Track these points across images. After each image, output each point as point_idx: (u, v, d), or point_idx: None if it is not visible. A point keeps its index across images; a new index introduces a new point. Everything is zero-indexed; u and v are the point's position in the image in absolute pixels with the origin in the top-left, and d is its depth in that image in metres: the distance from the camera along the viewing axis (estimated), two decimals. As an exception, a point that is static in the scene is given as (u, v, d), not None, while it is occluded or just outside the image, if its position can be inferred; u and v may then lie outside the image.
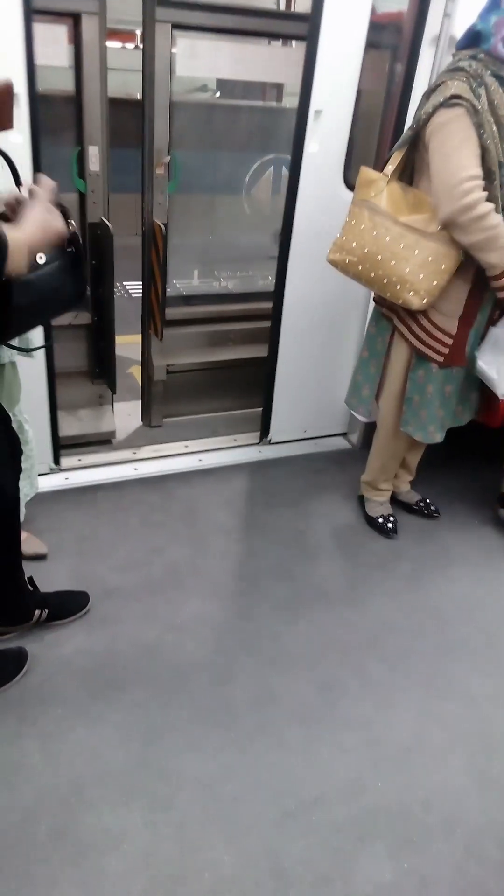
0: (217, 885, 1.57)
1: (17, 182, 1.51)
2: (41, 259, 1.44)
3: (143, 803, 1.72)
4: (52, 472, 2.87)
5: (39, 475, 2.71)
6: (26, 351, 1.89)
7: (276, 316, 2.92)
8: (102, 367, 3.20)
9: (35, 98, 2.18)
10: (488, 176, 2.02)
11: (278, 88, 3.22)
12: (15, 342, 1.79)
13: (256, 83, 3.21)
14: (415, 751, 1.93)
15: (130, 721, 1.91)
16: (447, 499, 2.98)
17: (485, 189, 1.99)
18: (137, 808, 1.70)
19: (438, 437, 2.49)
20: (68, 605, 2.20)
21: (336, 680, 2.11)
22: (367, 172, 2.22)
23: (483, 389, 2.55)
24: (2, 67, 2.08)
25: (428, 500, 2.91)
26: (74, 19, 2.56)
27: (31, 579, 2.10)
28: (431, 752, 1.93)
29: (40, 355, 2.53)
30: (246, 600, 2.37)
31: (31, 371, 2.48)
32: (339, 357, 3.11)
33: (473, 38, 2.05)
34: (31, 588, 2.11)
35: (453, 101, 1.96)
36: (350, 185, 2.66)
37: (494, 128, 1.99)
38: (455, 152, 2.00)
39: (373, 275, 2.19)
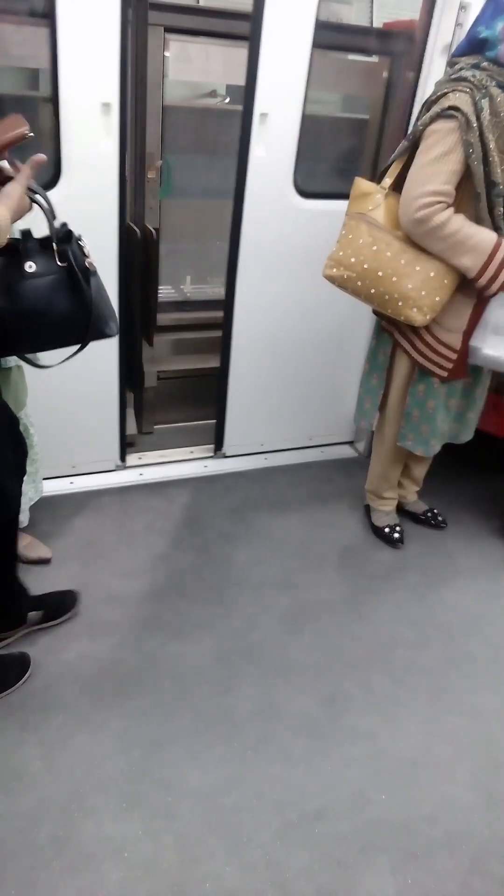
0: (218, 898, 1.55)
1: (50, 218, 1.49)
2: (30, 268, 1.44)
3: (145, 812, 1.70)
4: (117, 468, 2.97)
5: (105, 472, 2.92)
6: (39, 367, 1.86)
7: (226, 325, 2.84)
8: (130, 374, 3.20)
9: (125, 107, 2.28)
10: (474, 197, 2.01)
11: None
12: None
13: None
14: (420, 764, 1.91)
15: (132, 729, 1.90)
16: (454, 509, 2.96)
17: (451, 206, 1.98)
18: (138, 816, 1.69)
19: (437, 449, 2.49)
20: (62, 605, 2.20)
21: (340, 691, 2.09)
22: (361, 184, 2.19)
23: (488, 401, 2.55)
24: (97, 77, 2.20)
25: (435, 511, 2.90)
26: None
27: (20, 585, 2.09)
28: (436, 766, 1.91)
29: (113, 355, 2.64)
30: (250, 609, 2.35)
31: (104, 365, 2.63)
32: (343, 367, 3.10)
33: (477, 46, 1.99)
34: (25, 591, 2.10)
35: (450, 111, 1.94)
36: (301, 191, 2.63)
37: (492, 145, 1.95)
38: (430, 165, 1.98)
39: (373, 291, 2.15)
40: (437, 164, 1.97)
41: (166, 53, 2.71)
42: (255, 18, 2.30)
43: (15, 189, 1.37)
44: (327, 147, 3.10)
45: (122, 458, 2.98)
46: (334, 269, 2.22)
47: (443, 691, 2.14)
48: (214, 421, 3.10)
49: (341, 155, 3.13)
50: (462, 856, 1.69)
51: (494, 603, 2.52)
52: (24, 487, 2.10)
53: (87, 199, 2.36)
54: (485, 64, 1.97)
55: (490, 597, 2.54)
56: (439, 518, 2.88)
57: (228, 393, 3.00)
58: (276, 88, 2.42)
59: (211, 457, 3.16)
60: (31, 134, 1.40)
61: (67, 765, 1.79)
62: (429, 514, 2.89)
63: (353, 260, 2.16)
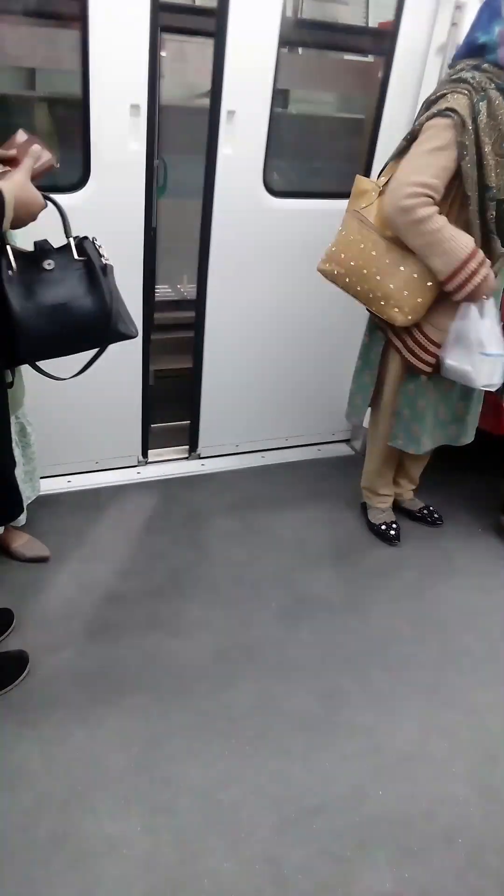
0: (216, 892, 1.56)
1: (67, 231, 1.50)
2: (49, 265, 1.45)
3: (143, 809, 1.71)
4: (139, 464, 3.01)
5: (126, 467, 2.97)
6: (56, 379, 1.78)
7: (198, 324, 2.83)
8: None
9: (154, 109, 2.30)
10: (463, 200, 2.02)
11: (284, 94, 3.22)
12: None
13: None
14: (416, 760, 1.92)
15: (131, 726, 1.91)
16: (450, 506, 2.97)
17: (437, 205, 1.99)
18: (137, 813, 1.70)
19: (429, 447, 2.50)
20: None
21: (338, 688, 2.10)
22: (361, 181, 2.20)
23: (486, 399, 2.56)
24: (127, 79, 2.23)
25: (431, 508, 2.91)
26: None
27: None
28: (433, 762, 1.92)
29: (137, 350, 2.70)
30: (248, 606, 2.36)
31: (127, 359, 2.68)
32: (338, 364, 3.08)
33: (477, 50, 2.01)
34: None
35: (447, 112, 1.95)
36: (271, 190, 2.62)
37: (487, 148, 1.96)
38: (422, 157, 2.00)
39: (359, 288, 2.17)
40: (429, 157, 1.99)
41: (162, 53, 2.71)
42: (220, 14, 2.27)
43: (18, 173, 1.38)
44: (323, 147, 3.10)
45: (144, 454, 3.01)
46: (326, 265, 2.24)
47: (439, 687, 2.15)
48: (199, 420, 3.09)
49: (336, 155, 3.13)
50: (459, 850, 1.70)
51: (490, 599, 2.53)
52: (22, 486, 2.10)
53: (114, 199, 2.40)
54: (485, 66, 1.98)
55: (486, 593, 2.56)
56: (435, 515, 2.89)
57: (202, 392, 2.98)
58: (243, 86, 2.39)
59: (209, 456, 3.16)
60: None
61: (66, 762, 1.79)
62: (425, 512, 2.90)
63: (342, 256, 2.18)
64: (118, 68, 2.21)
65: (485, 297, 2.10)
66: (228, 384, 3.00)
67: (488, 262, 2.05)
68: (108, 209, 2.40)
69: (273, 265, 2.76)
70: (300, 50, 3.16)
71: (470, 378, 2.18)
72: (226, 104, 2.39)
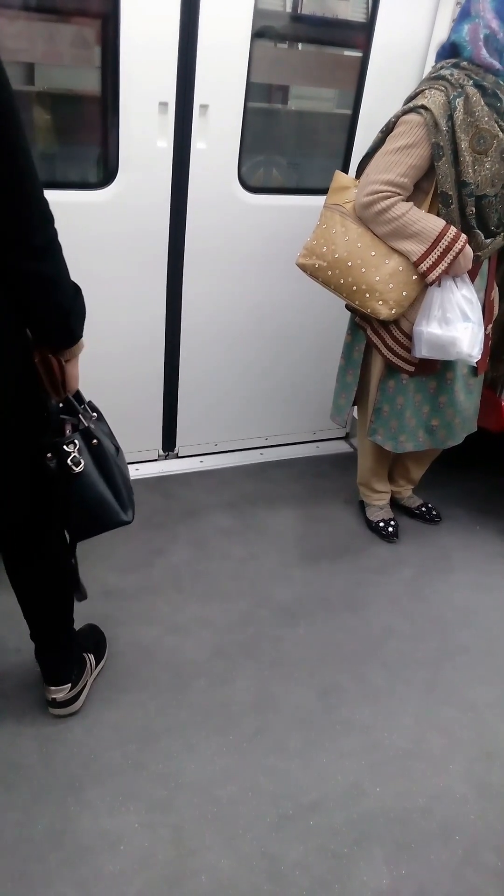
0: (214, 888, 1.56)
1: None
2: (78, 467, 1.47)
3: (141, 805, 1.71)
4: (159, 458, 3.05)
5: (147, 461, 3.03)
6: None
7: (173, 319, 2.78)
8: None
9: (183, 107, 2.32)
10: (444, 199, 2.03)
11: (283, 90, 3.21)
12: None
13: (262, 85, 3.22)
14: (414, 757, 1.92)
15: (128, 722, 1.91)
16: (448, 504, 2.98)
17: (410, 200, 2.03)
18: (134, 809, 1.70)
19: (410, 447, 2.49)
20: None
21: (336, 685, 2.10)
22: (340, 178, 2.20)
23: (485, 397, 2.55)
24: (156, 76, 2.25)
25: (430, 505, 2.91)
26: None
27: None
28: (431, 759, 1.92)
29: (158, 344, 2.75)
30: (246, 603, 2.36)
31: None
32: (329, 361, 3.07)
33: (451, 51, 2.03)
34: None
35: (420, 109, 1.96)
36: (246, 185, 2.60)
37: (464, 145, 1.96)
38: (393, 154, 2.02)
39: (342, 281, 2.15)
40: (398, 155, 2.00)
41: None
42: (190, 6, 2.23)
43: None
44: (324, 143, 3.09)
45: (169, 448, 3.05)
46: (306, 259, 2.23)
47: (437, 684, 2.15)
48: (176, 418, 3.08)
49: (335, 152, 3.12)
50: (456, 847, 1.71)
51: (488, 596, 2.53)
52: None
53: (141, 197, 2.41)
54: (464, 63, 2.00)
55: (483, 590, 2.56)
56: (433, 513, 2.89)
57: (179, 390, 2.96)
58: (216, 79, 2.36)
59: (208, 453, 3.16)
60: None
61: (64, 758, 1.79)
62: (423, 509, 2.90)
63: (324, 249, 2.16)
64: (147, 66, 2.21)
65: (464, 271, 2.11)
66: (207, 382, 2.98)
67: (463, 235, 2.05)
68: (133, 207, 2.41)
69: (250, 261, 2.75)
70: (299, 45, 3.16)
71: (457, 345, 2.12)
72: (198, 98, 2.36)
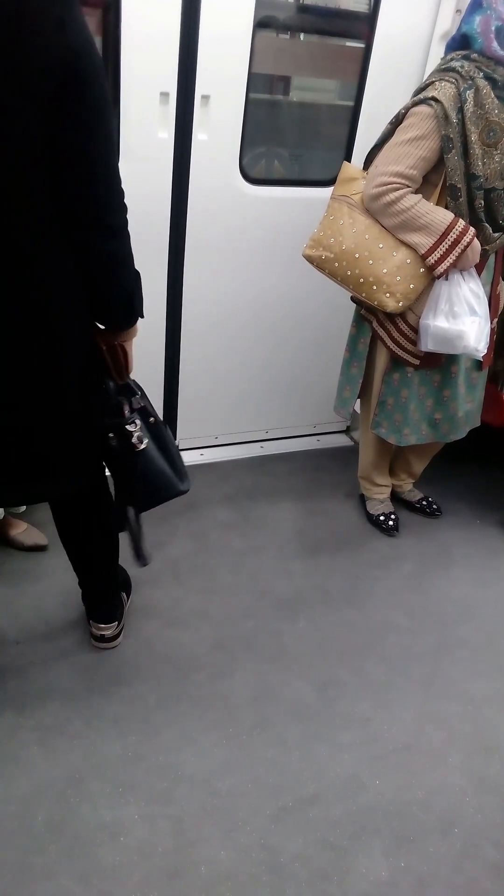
0: (213, 880, 1.57)
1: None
2: (143, 444, 1.63)
3: (140, 797, 1.71)
4: None
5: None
6: None
7: (173, 311, 2.77)
8: None
9: (184, 97, 2.31)
10: (452, 192, 2.01)
11: (285, 81, 3.19)
12: None
13: (263, 76, 3.19)
14: (413, 750, 1.92)
15: (128, 715, 1.91)
16: (449, 498, 2.97)
17: (419, 192, 2.01)
18: (134, 801, 1.70)
19: (413, 440, 2.49)
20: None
21: (335, 678, 2.11)
22: (348, 169, 2.19)
23: (488, 391, 2.55)
24: (157, 66, 2.23)
25: (430, 499, 2.91)
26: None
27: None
28: (429, 752, 1.93)
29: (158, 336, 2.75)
30: (245, 596, 2.36)
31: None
32: (330, 354, 3.06)
33: (462, 42, 2.01)
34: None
35: (430, 101, 1.95)
36: (247, 177, 2.59)
37: (474, 137, 1.94)
38: (403, 145, 2.00)
39: (349, 273, 2.14)
40: (408, 147, 1.99)
41: None
42: None
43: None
44: (326, 135, 3.07)
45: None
46: (313, 250, 2.22)
47: (436, 677, 2.15)
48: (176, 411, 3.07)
49: (337, 143, 3.11)
50: (454, 840, 1.71)
51: (487, 591, 2.53)
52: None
53: (142, 188, 2.37)
54: (474, 55, 1.98)
55: (483, 585, 2.56)
56: (434, 507, 2.89)
57: (180, 383, 2.95)
58: (218, 69, 2.34)
59: (208, 446, 3.16)
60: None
61: (64, 750, 1.80)
62: (423, 503, 2.90)
63: (332, 240, 2.15)
64: (149, 56, 2.19)
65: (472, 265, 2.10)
66: (207, 375, 2.97)
67: (472, 229, 2.04)
68: (134, 198, 2.38)
69: (251, 253, 2.73)
70: (301, 35, 3.14)
71: (464, 339, 2.12)
72: (200, 88, 2.34)
